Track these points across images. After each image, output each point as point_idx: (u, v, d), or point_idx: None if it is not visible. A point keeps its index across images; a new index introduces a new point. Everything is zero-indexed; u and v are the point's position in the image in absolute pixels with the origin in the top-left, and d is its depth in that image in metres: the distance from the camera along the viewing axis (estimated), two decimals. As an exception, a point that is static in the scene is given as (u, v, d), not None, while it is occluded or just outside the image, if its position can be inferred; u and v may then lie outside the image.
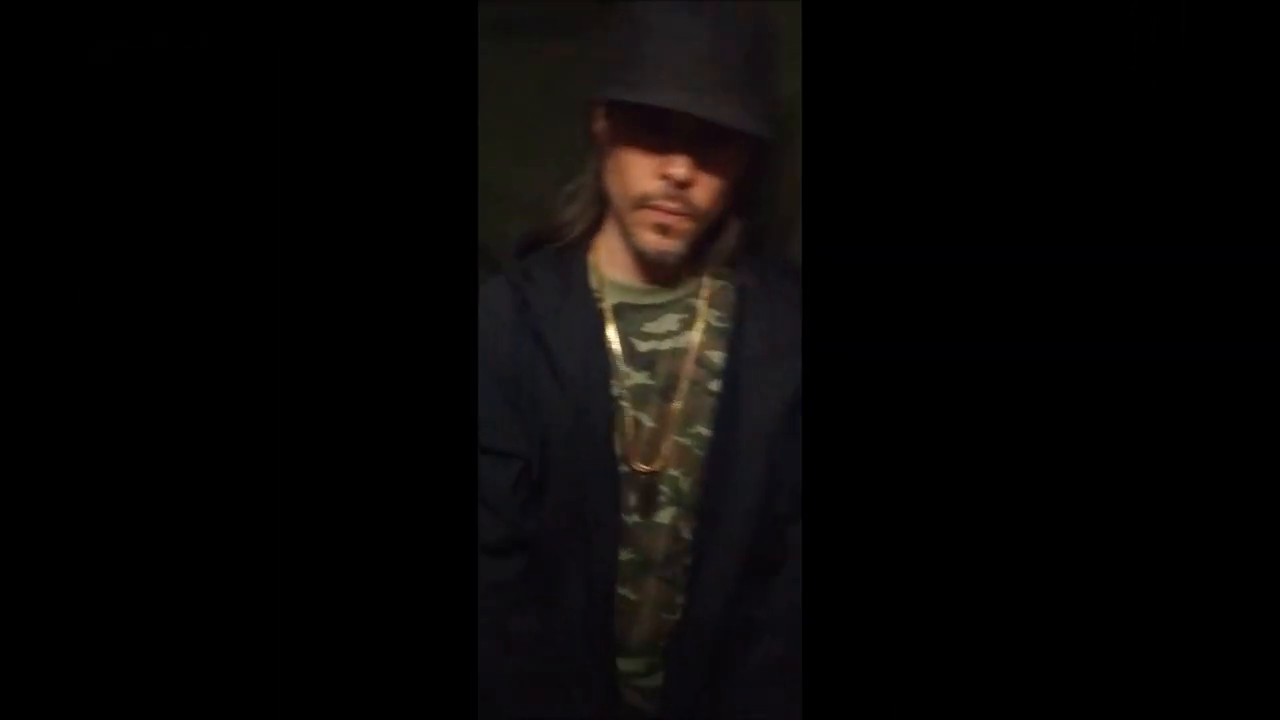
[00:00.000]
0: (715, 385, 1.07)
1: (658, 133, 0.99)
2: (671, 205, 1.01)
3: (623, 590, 1.05)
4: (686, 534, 1.05)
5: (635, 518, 1.05)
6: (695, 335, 1.08)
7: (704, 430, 1.05)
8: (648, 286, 1.10)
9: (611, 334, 1.08)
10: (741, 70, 0.97)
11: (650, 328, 1.09)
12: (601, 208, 1.09)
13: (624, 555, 1.05)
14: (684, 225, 1.03)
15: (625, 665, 1.06)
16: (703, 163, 1.00)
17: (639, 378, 1.07)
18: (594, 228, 1.11)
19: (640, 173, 1.02)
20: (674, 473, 1.06)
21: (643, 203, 1.02)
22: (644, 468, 1.05)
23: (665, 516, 1.05)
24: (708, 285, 1.10)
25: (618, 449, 1.05)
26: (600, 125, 1.05)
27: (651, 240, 1.03)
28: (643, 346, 1.08)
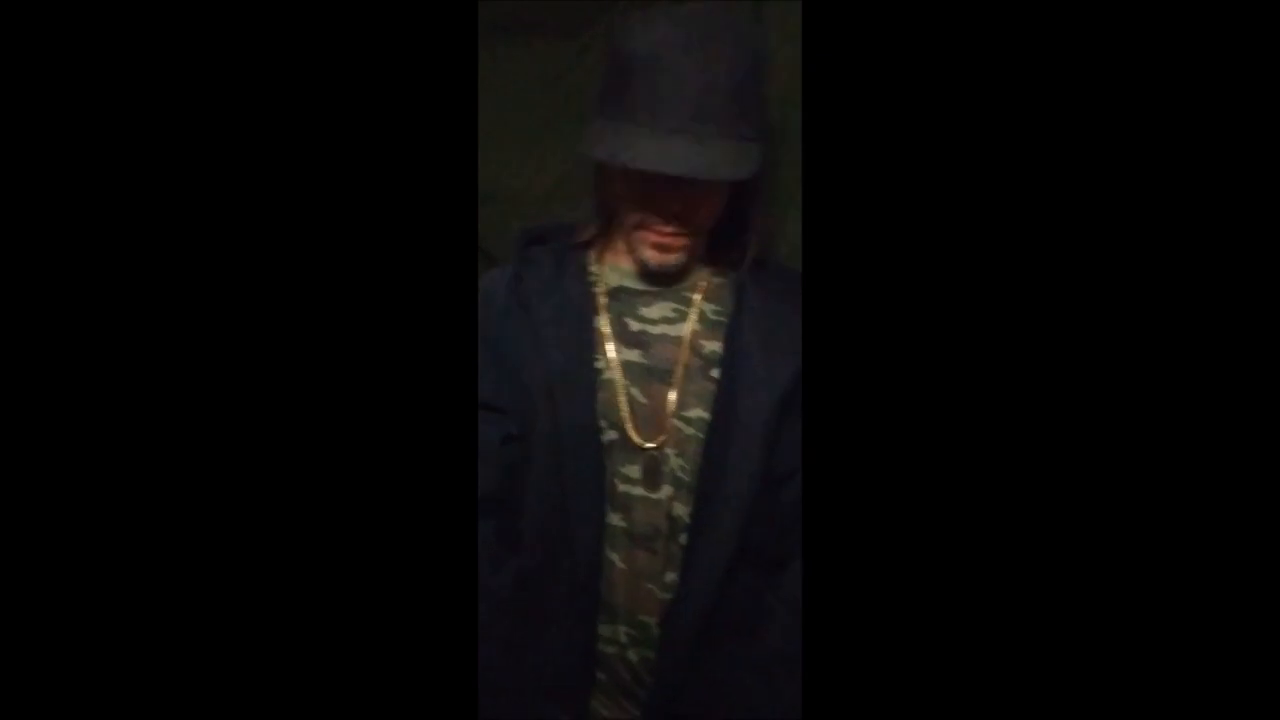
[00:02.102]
0: (715, 373, 1.10)
1: (648, 177, 1.02)
2: (669, 229, 1.07)
3: (611, 555, 1.07)
4: (681, 513, 1.07)
5: (636, 489, 1.07)
6: (689, 325, 1.13)
7: (703, 414, 1.08)
8: (648, 278, 1.15)
9: (603, 314, 1.12)
10: (734, 100, 1.01)
11: (644, 311, 1.13)
12: (606, 219, 1.14)
13: (614, 520, 1.07)
14: (682, 241, 1.09)
15: (606, 630, 1.08)
16: (697, 192, 1.05)
17: (630, 355, 1.11)
18: (600, 235, 1.16)
19: (635, 203, 1.07)
20: (670, 452, 1.08)
21: (641, 225, 1.08)
22: (646, 444, 1.07)
23: (663, 493, 1.07)
24: (705, 280, 1.14)
25: (605, 420, 1.09)
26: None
27: (652, 255, 1.09)
28: (634, 326, 1.12)
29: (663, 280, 1.14)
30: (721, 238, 1.14)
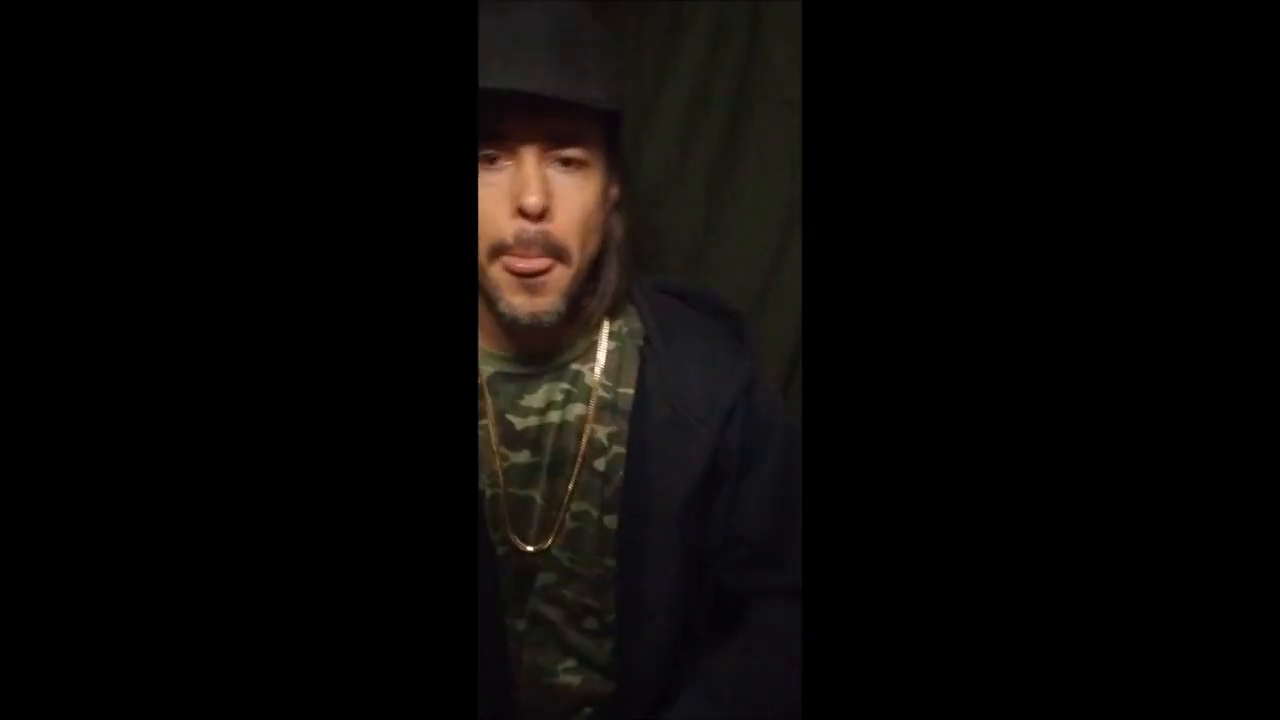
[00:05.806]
0: (601, 464, 0.99)
1: (499, 143, 0.86)
2: (534, 250, 0.86)
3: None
4: (574, 601, 1.03)
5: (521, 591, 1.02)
6: (579, 408, 0.98)
7: (591, 510, 1.00)
8: (525, 354, 0.96)
9: (486, 412, 0.95)
10: (578, 46, 0.86)
11: (529, 401, 0.97)
12: None
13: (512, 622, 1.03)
14: (555, 274, 0.88)
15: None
16: (556, 186, 0.87)
17: (519, 458, 0.98)
18: None
19: (492, 210, 0.86)
20: (559, 554, 1.01)
21: (500, 250, 0.87)
22: (527, 547, 0.99)
23: (564, 590, 1.02)
24: (598, 346, 0.99)
25: (497, 533, 0.99)
26: None
27: (521, 302, 0.88)
28: (520, 424, 0.97)
29: (543, 344, 0.95)
30: (603, 280, 0.95)
